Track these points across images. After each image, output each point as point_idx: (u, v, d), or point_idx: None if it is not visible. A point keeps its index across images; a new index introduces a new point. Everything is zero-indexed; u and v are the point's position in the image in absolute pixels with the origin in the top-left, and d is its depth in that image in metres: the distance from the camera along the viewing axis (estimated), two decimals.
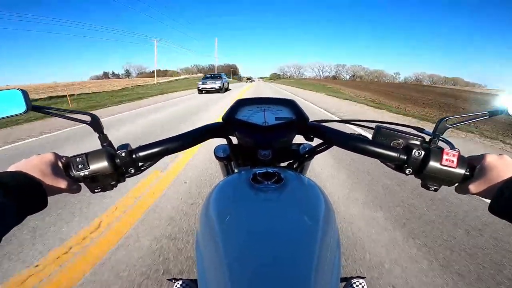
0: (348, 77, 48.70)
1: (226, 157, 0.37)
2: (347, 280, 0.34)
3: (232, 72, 60.54)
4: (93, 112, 0.27)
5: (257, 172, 0.25)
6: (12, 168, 0.20)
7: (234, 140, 0.35)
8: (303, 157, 0.35)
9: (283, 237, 0.19)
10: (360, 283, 0.33)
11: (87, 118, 0.25)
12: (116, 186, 0.26)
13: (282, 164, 0.36)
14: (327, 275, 0.18)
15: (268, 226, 0.20)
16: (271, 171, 0.25)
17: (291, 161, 0.36)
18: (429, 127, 0.26)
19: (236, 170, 0.37)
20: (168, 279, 0.36)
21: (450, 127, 0.25)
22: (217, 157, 0.37)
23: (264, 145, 0.31)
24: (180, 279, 0.32)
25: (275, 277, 0.16)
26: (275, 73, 77.30)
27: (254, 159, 0.32)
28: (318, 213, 0.22)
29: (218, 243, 0.19)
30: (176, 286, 0.31)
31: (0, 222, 0.16)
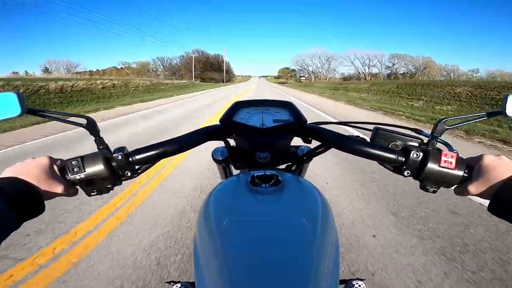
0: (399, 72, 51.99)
1: (224, 160, 0.61)
2: (346, 282, 0.53)
3: (204, 68, 62.82)
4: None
5: (255, 174, 0.44)
6: (7, 173, 0.36)
7: (232, 142, 0.57)
8: (302, 159, 0.57)
9: (281, 239, 0.33)
10: (360, 285, 0.51)
11: (83, 121, 0.43)
12: (112, 189, 0.44)
13: (281, 166, 0.58)
14: (326, 277, 0.31)
15: (266, 229, 0.36)
16: (269, 173, 0.44)
17: (289, 163, 0.59)
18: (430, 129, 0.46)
19: (234, 173, 0.60)
20: (167, 282, 0.57)
21: (448, 128, 0.43)
22: (215, 160, 0.62)
23: (262, 148, 0.52)
24: (178, 282, 0.52)
25: (273, 280, 0.28)
26: (287, 68, 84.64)
27: (252, 161, 0.54)
28: (316, 215, 0.38)
29: (216, 246, 0.34)
30: None
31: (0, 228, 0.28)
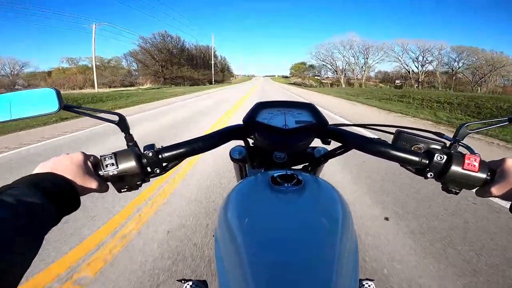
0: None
1: (241, 159, 0.90)
2: None
3: (171, 61, 56.38)
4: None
5: (276, 174, 0.65)
6: (42, 168, 0.53)
7: (250, 142, 0.84)
8: (319, 160, 0.87)
9: (304, 239, 0.50)
10: (370, 286, 0.71)
11: (115, 118, 0.65)
12: (140, 186, 0.65)
13: (296, 167, 0.84)
14: (346, 277, 0.46)
15: (289, 228, 0.52)
16: (290, 173, 0.65)
17: (305, 163, 0.87)
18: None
19: (249, 172, 0.90)
20: (178, 280, 0.80)
21: (471, 133, 0.67)
22: (232, 159, 0.91)
23: (281, 148, 0.78)
24: (189, 280, 0.76)
25: (295, 280, 0.42)
26: (304, 63, 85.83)
27: (269, 161, 0.83)
28: (337, 216, 0.57)
29: (240, 244, 0.50)
30: (185, 287, 0.74)
31: (43, 223, 0.44)
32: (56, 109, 0.61)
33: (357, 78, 61.39)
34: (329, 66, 67.62)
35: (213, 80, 66.78)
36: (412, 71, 56.27)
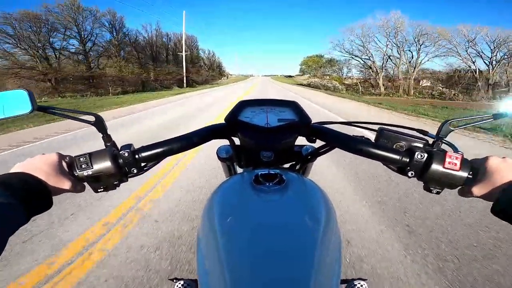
0: None
1: (228, 158, 1.39)
2: (348, 282, 1.15)
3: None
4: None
5: (259, 173, 0.99)
6: (16, 168, 0.83)
7: (237, 141, 1.22)
8: (306, 158, 1.22)
9: (283, 238, 0.78)
10: (362, 285, 1.03)
11: (92, 118, 0.98)
12: (118, 186, 1.00)
13: (285, 165, 1.24)
14: (327, 277, 0.73)
15: (268, 227, 0.82)
16: (273, 172, 1.01)
17: (293, 162, 1.26)
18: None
19: (238, 171, 1.34)
20: (170, 279, 1.14)
21: (454, 130, 1.00)
22: (219, 158, 1.42)
23: (266, 147, 1.19)
24: (181, 279, 1.17)
25: (275, 278, 0.66)
26: (320, 56, 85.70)
27: (256, 160, 1.22)
28: (319, 215, 0.88)
29: (219, 244, 0.77)
30: (177, 286, 1.14)
31: (9, 223, 0.68)
32: (29, 110, 0.85)
33: (404, 78, 56.30)
34: (360, 60, 61.92)
35: (184, 81, 62.22)
36: (479, 69, 53.81)
